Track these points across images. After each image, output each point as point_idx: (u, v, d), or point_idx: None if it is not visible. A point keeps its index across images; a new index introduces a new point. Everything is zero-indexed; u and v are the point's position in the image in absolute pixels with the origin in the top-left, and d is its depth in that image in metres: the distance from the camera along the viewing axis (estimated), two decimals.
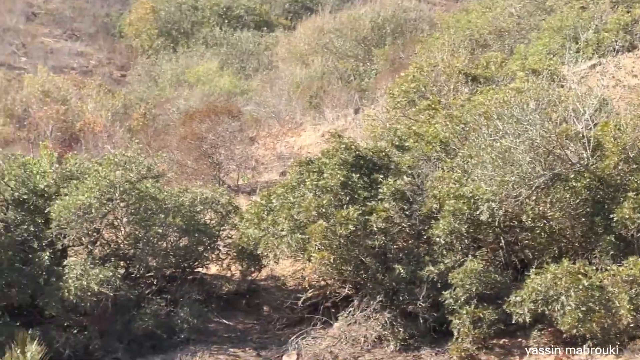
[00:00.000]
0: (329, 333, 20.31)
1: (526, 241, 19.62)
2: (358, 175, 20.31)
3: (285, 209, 20.08)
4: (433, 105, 24.02)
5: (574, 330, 17.62)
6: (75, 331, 20.73)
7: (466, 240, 19.30)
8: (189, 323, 19.95)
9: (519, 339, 19.11)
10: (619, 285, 17.27)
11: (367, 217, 19.29)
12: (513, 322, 18.43)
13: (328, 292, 21.40)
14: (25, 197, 21.87)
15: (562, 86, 24.18)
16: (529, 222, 19.21)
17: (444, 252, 19.19)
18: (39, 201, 22.01)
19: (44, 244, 21.33)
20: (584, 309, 17.36)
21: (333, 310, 20.67)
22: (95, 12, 61.93)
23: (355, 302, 20.24)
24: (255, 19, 58.91)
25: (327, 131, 31.49)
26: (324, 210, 19.49)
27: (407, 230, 20.34)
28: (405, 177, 20.37)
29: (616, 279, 17.37)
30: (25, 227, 21.48)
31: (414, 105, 25.82)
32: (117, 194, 21.18)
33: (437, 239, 18.96)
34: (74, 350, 20.45)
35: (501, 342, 19.34)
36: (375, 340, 19.65)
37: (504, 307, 18.10)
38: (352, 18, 49.21)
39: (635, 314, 17.35)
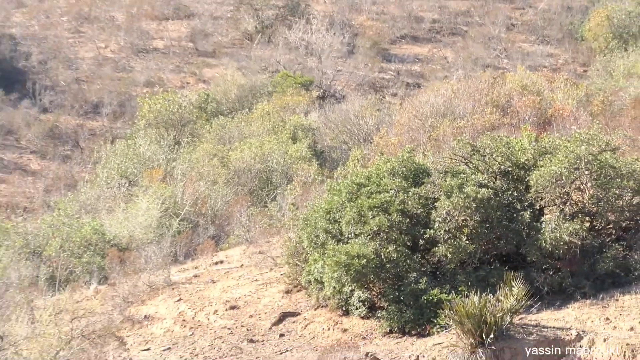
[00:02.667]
0: None
1: None
2: None
3: None
4: None
5: None
6: (551, 273, 23.51)
7: None
8: None
9: None
10: None
11: None
12: None
13: None
14: (509, 169, 24.80)
15: None
16: None
17: None
18: (520, 172, 25.04)
19: (525, 205, 24.25)
20: None
21: None
22: (561, 21, 69.52)
23: None
24: None
25: None
26: None
27: None
28: None
29: None
30: (510, 192, 24.38)
31: None
32: (582, 164, 23.88)
33: None
34: (550, 287, 23.30)
35: None
36: None
37: None
38: None
39: None
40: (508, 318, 21.68)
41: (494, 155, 24.54)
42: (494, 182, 24.25)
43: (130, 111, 48.13)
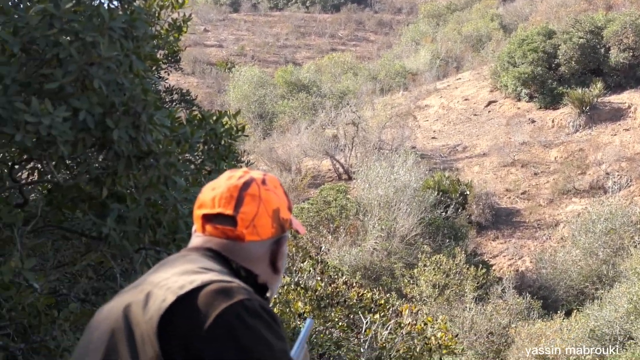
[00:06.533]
0: None
1: None
2: None
3: None
4: None
5: None
6: (615, 77, 35.74)
7: None
8: None
9: None
10: None
11: None
12: None
13: None
14: (592, 29, 35.32)
15: None
16: None
17: None
18: (598, 30, 35.60)
19: (600, 46, 35.63)
20: None
21: None
22: None
23: None
24: None
25: None
26: None
27: None
28: None
29: None
30: (593, 40, 35.29)
31: None
32: (627, 25, 35.08)
33: None
34: (614, 83, 35.74)
35: None
36: None
37: None
38: None
39: None
40: (595, 99, 34.62)
41: (585, 23, 37.29)
42: (585, 36, 36.84)
43: (415, 11, 71.32)
